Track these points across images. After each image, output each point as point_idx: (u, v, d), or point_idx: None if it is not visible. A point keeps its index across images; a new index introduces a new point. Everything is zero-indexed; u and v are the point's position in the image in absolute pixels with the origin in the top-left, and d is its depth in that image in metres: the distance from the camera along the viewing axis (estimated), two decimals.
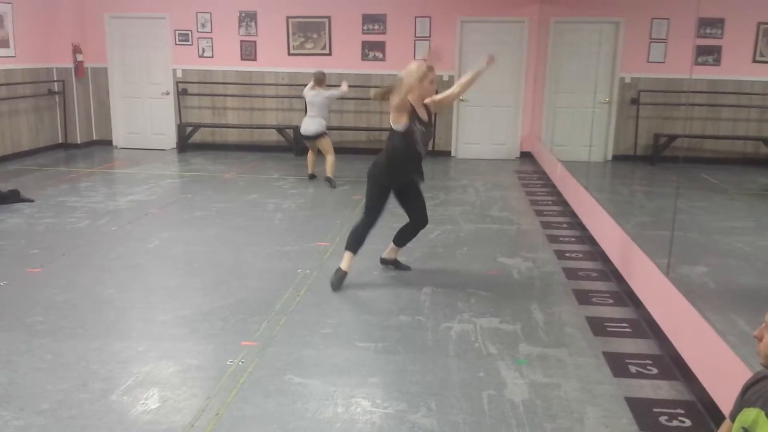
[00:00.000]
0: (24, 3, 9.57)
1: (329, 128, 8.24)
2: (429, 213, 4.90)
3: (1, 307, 4.18)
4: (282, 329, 3.93)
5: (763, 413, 1.80)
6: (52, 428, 2.88)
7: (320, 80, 8.01)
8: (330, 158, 8.07)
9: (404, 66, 4.41)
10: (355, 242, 4.66)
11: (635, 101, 8.74)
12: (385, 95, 4.44)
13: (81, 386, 3.23)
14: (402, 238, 4.94)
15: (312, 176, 8.36)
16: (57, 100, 10.36)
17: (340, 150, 8.67)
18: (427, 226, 4.90)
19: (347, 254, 4.64)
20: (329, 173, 8.02)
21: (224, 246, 5.59)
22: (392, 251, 4.99)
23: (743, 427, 1.87)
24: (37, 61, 9.92)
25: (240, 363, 3.48)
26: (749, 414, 1.86)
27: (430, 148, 4.89)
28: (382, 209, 4.66)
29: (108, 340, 3.76)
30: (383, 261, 5.02)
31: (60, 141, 10.50)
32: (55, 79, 10.27)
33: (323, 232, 5.92)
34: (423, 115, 4.50)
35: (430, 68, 4.44)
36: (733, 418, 1.97)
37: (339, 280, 4.57)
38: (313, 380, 3.30)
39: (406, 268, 5.02)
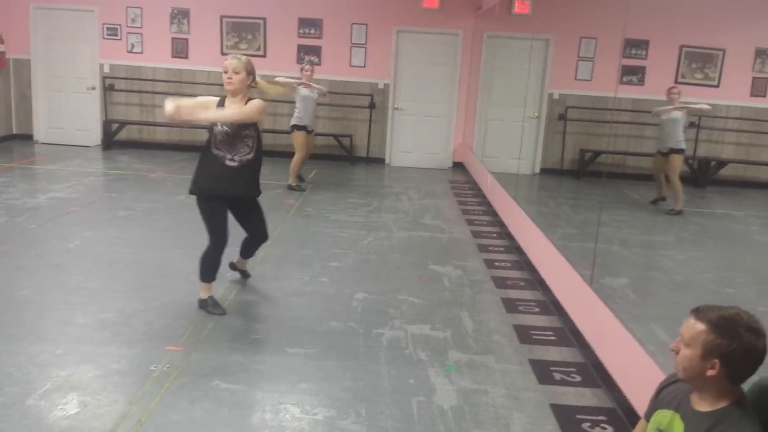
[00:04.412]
0: None
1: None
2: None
3: None
4: (209, 334, 3.84)
5: (678, 416, 1.88)
6: None
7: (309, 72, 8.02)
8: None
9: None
10: (207, 271, 4.14)
11: (563, 117, 9.00)
12: None
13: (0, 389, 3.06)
14: (246, 250, 4.55)
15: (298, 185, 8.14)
16: None
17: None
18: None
19: (204, 285, 4.17)
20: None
21: (150, 247, 5.42)
22: (241, 262, 4.68)
23: (659, 429, 1.94)
24: None
25: (165, 368, 3.37)
26: (664, 416, 1.93)
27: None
28: (224, 228, 4.09)
29: (24, 342, 3.58)
30: (232, 266, 4.70)
31: None
32: None
33: None
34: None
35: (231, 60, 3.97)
36: (647, 417, 2.04)
37: (216, 306, 4.15)
38: (241, 386, 3.24)
39: (248, 275, 4.79)
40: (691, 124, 6.74)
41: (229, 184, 4.03)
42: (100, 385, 3.19)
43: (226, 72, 3.95)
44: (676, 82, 6.64)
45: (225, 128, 3.95)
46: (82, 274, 4.72)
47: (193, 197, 4.17)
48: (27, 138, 10.45)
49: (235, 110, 3.90)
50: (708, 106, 6.31)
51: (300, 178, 8.32)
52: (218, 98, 4.04)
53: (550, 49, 9.28)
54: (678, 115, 6.15)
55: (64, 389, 3.12)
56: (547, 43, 9.21)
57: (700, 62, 6.90)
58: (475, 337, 4.01)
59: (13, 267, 4.76)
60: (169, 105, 3.66)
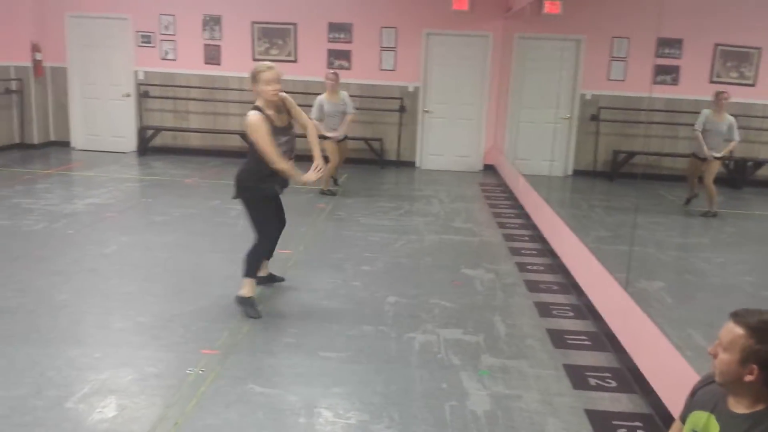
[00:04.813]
0: None
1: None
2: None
3: None
4: (244, 338, 3.88)
5: (713, 417, 1.85)
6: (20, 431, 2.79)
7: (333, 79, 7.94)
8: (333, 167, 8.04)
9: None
10: (253, 267, 4.30)
11: (595, 118, 8.92)
12: None
13: (36, 393, 3.14)
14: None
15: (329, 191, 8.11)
16: (14, 99, 10.09)
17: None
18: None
19: (249, 281, 4.28)
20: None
21: (185, 252, 5.50)
22: (265, 265, 4.65)
23: (694, 430, 1.91)
24: None
25: (200, 372, 3.42)
26: (700, 417, 1.90)
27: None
28: (276, 222, 4.43)
29: (63, 346, 3.66)
30: (268, 278, 4.74)
31: (16, 141, 10.23)
32: (13, 77, 10.01)
33: (286, 240, 5.84)
34: (278, 120, 4.15)
35: (269, 67, 4.07)
36: (683, 419, 2.01)
37: (254, 308, 4.23)
38: (275, 390, 3.27)
39: (281, 279, 4.83)
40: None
41: (279, 184, 4.27)
42: (137, 389, 3.25)
43: (276, 83, 4.06)
44: (711, 81, 6.54)
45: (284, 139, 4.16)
46: (118, 279, 4.81)
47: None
48: (64, 145, 10.68)
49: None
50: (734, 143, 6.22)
51: (334, 181, 8.36)
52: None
53: (582, 50, 9.19)
54: (724, 126, 6.06)
55: (102, 392, 3.18)
56: (578, 44, 9.12)
57: (736, 61, 6.78)
58: (509, 342, 3.99)
59: (51, 272, 4.87)
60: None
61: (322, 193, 7.97)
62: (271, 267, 4.77)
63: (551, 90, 8.84)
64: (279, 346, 3.78)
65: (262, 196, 4.24)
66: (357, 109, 9.35)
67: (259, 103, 4.11)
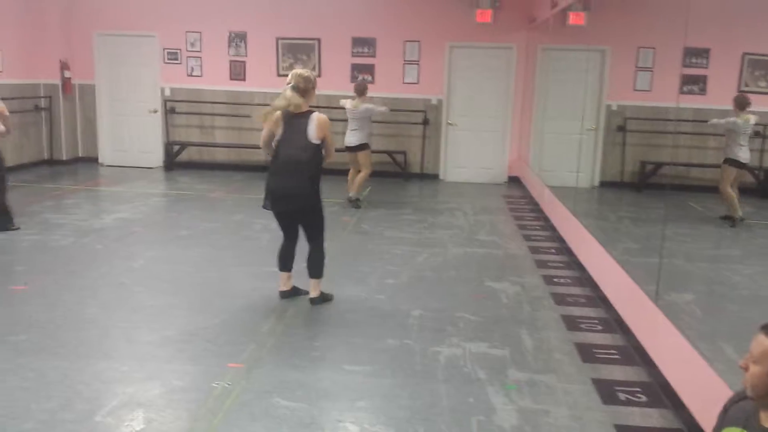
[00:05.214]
0: (11, 18, 9.55)
1: None
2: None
3: None
4: (269, 352, 3.88)
5: None
6: None
7: (361, 91, 7.96)
8: (363, 173, 8.01)
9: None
10: (323, 267, 4.67)
11: (622, 128, 8.84)
12: None
13: (65, 406, 3.16)
14: (290, 261, 4.76)
15: (355, 201, 8.06)
16: (43, 116, 10.29)
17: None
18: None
19: (321, 282, 4.69)
20: (355, 191, 8.00)
21: (211, 266, 5.54)
22: (286, 282, 4.76)
23: None
24: (24, 76, 9.86)
25: (226, 385, 3.42)
26: None
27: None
28: None
29: (92, 359, 3.69)
30: (292, 291, 4.80)
31: (45, 157, 10.42)
32: (42, 95, 10.21)
33: None
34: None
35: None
36: None
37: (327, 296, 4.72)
38: (301, 404, 3.26)
39: (306, 292, 4.77)
40: (756, 134, 6.52)
41: None
42: (164, 402, 3.26)
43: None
44: (739, 90, 6.45)
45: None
46: (145, 293, 4.85)
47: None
48: (92, 161, 10.86)
49: None
50: None
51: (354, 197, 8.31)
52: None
53: (607, 60, 9.14)
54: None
55: (130, 406, 3.20)
56: (603, 54, 9.07)
57: (764, 70, 6.68)
58: (536, 356, 3.94)
59: (80, 286, 4.93)
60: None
61: (350, 201, 7.98)
62: (295, 280, 4.78)
63: (576, 101, 8.77)
64: (304, 360, 3.77)
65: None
66: (381, 122, 9.37)
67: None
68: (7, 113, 6.27)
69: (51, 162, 10.44)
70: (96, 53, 10.55)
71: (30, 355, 3.71)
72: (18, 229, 6.35)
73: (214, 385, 3.43)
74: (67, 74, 10.38)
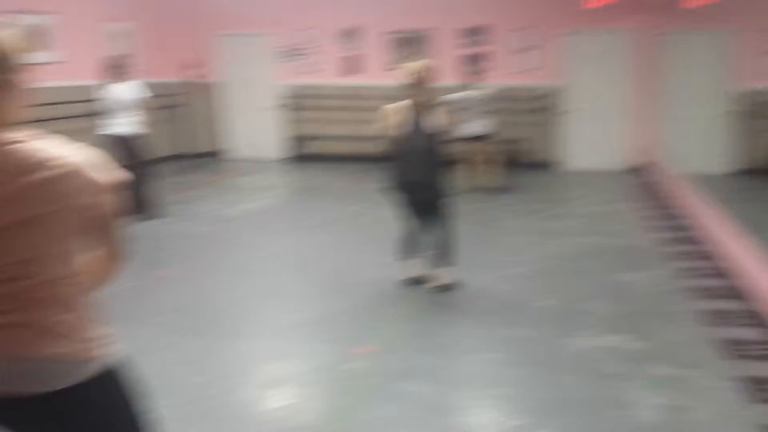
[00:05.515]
0: (149, 21, 10.22)
1: None
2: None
3: (134, 307, 4.43)
4: (398, 337, 3.96)
5: None
6: (196, 417, 3.04)
7: (472, 77, 7.93)
8: (489, 162, 8.00)
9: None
10: (454, 256, 4.72)
11: (757, 113, 8.27)
12: None
13: (210, 382, 3.38)
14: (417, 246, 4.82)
15: (492, 189, 8.08)
16: (178, 112, 10.96)
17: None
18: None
19: (443, 270, 4.69)
20: (487, 180, 8.00)
21: (337, 253, 5.71)
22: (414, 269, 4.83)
23: None
24: (163, 76, 10.52)
25: (360, 368, 3.53)
26: None
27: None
28: None
29: (233, 339, 3.93)
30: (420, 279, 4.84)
31: (181, 151, 11.09)
32: (176, 93, 10.87)
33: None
34: None
35: None
36: None
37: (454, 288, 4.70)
38: (432, 388, 3.30)
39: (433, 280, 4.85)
40: None
41: None
42: (301, 381, 3.42)
43: None
44: None
45: None
46: (278, 278, 5.08)
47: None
48: (224, 154, 11.47)
49: None
50: None
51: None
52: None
53: (737, 42, 8.59)
54: None
55: (269, 384, 3.38)
56: (733, 36, 8.53)
57: None
58: (674, 350, 3.78)
59: (218, 271, 5.23)
60: None
61: (481, 190, 7.99)
62: (420, 269, 4.82)
63: (705, 84, 8.31)
64: (433, 346, 3.82)
65: None
66: (498, 110, 9.20)
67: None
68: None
69: (186, 156, 11.10)
70: (224, 53, 11.10)
71: (177, 335, 3.99)
72: (164, 218, 6.82)
73: (346, 367, 3.55)
74: (197, 73, 10.99)
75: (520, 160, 10.11)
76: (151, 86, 10.16)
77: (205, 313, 4.35)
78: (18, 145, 1.42)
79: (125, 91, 6.51)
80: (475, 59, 9.94)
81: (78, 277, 1.55)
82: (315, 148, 11.01)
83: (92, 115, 6.89)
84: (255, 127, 11.31)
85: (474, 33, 10.11)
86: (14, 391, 1.48)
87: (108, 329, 1.62)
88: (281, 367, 3.58)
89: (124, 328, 1.71)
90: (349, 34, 10.56)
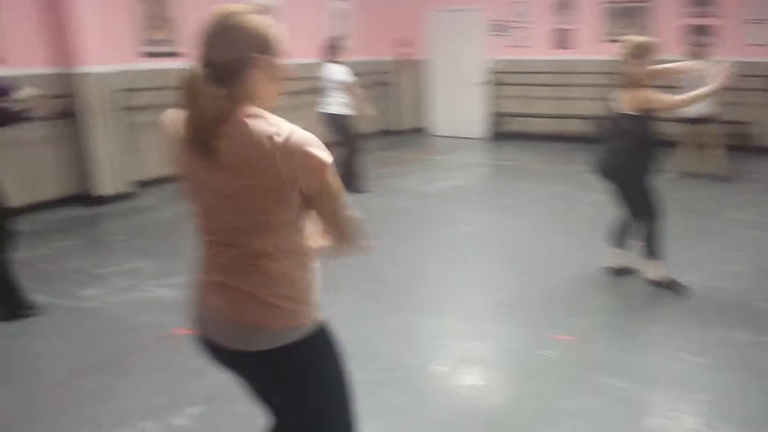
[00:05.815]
0: (363, 4, 10.67)
1: None
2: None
3: (342, 276, 4.70)
4: (598, 328, 3.84)
5: None
6: (390, 384, 3.20)
7: (700, 53, 7.27)
8: (715, 146, 7.47)
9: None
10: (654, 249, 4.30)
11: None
12: None
13: (406, 352, 3.54)
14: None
15: (721, 177, 7.50)
16: (386, 90, 11.37)
17: None
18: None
19: (660, 264, 4.32)
20: (717, 168, 7.48)
21: (536, 235, 5.63)
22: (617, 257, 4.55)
23: None
24: (372, 54, 10.97)
25: (554, 355, 3.48)
26: None
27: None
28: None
29: (430, 314, 4.06)
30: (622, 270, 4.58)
31: (387, 128, 11.53)
32: (384, 71, 11.27)
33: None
34: None
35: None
36: None
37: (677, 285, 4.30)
38: (630, 385, 3.16)
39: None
40: None
41: None
42: (493, 362, 3.45)
43: None
44: None
45: None
46: (476, 256, 5.14)
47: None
48: (426, 131, 11.73)
49: None
50: None
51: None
52: None
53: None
54: None
55: (463, 361, 3.45)
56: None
57: None
58: None
59: (419, 246, 5.41)
60: None
61: (706, 177, 7.46)
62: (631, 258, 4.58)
63: None
64: (634, 342, 3.65)
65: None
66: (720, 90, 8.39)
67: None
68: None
69: (391, 132, 11.52)
70: (430, 30, 11.27)
71: (378, 305, 4.20)
72: (369, 192, 7.17)
73: (541, 353, 3.52)
74: (406, 51, 11.30)
75: (748, 145, 9.16)
76: (365, 65, 10.71)
77: (406, 287, 4.53)
78: (258, 120, 1.57)
79: (337, 72, 6.89)
80: (701, 31, 9.13)
81: (300, 251, 1.69)
82: (516, 125, 10.86)
83: (312, 92, 7.37)
84: (458, 105, 11.39)
85: (701, 2, 9.26)
86: (232, 347, 1.69)
87: (318, 297, 1.76)
88: (476, 346, 3.63)
89: (328, 296, 1.86)
90: (563, 6, 10.20)
